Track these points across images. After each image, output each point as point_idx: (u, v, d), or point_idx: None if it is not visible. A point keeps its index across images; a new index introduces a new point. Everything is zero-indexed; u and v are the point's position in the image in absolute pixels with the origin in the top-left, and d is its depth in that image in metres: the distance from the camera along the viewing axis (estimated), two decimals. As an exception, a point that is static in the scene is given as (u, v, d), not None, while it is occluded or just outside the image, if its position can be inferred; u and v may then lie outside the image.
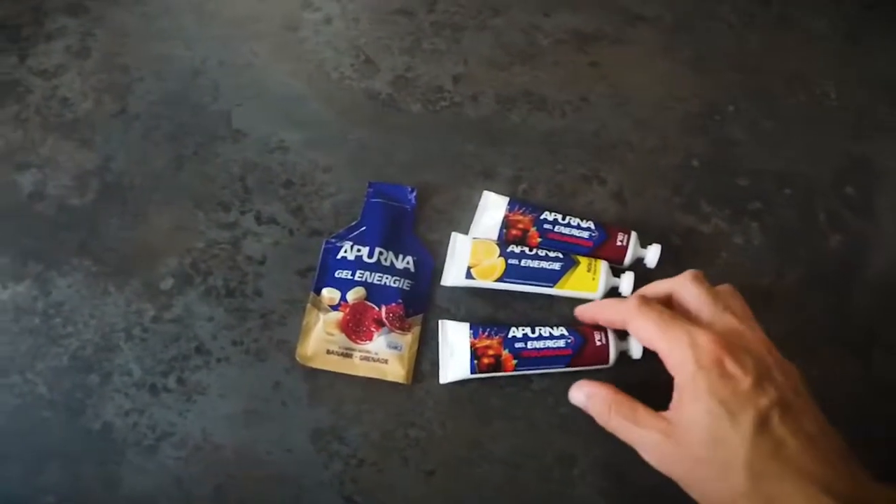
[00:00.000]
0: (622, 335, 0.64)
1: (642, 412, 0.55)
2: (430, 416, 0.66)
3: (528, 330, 0.63)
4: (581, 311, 0.65)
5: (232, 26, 0.83)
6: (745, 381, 0.50)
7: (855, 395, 0.68)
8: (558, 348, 0.62)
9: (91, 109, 0.78)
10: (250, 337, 0.68)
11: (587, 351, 0.62)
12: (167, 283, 0.70)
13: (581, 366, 0.63)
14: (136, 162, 0.76)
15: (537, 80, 0.81)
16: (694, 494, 0.52)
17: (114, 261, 0.71)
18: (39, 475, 0.63)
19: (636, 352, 0.63)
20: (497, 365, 0.63)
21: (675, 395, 0.53)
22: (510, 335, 0.63)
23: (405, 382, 0.66)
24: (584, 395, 0.59)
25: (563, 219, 0.70)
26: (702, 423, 0.50)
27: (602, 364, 0.63)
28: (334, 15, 0.84)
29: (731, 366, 0.51)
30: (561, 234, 0.70)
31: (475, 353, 0.63)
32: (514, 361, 0.62)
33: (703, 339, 0.52)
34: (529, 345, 0.62)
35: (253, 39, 0.82)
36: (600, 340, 0.62)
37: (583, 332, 0.62)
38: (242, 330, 0.68)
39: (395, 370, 0.66)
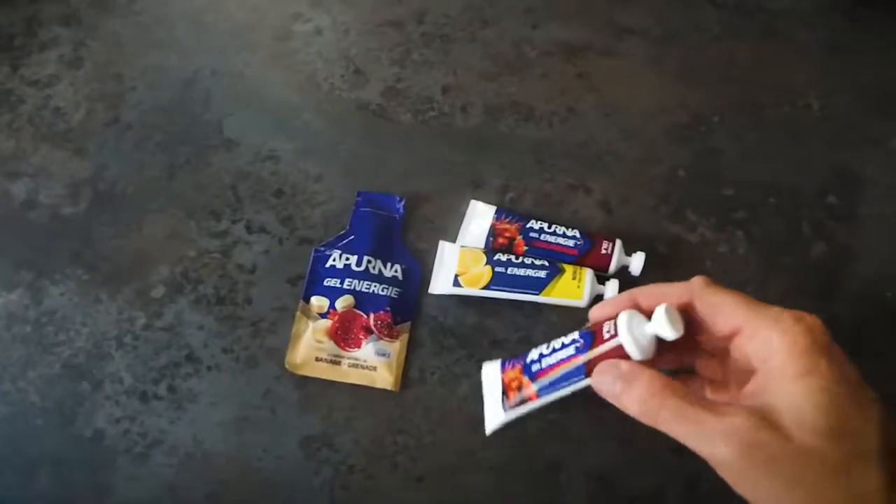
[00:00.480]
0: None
1: (709, 399, 0.41)
2: (418, 423, 0.66)
3: (543, 347, 0.48)
4: (600, 309, 0.48)
5: (224, 37, 0.84)
6: (854, 369, 0.42)
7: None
8: (570, 356, 0.46)
9: (84, 119, 0.79)
10: (241, 345, 0.69)
11: (596, 345, 0.46)
12: (158, 292, 0.71)
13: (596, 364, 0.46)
14: (128, 171, 0.76)
15: (525, 91, 0.82)
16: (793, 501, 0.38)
17: (106, 269, 0.72)
18: (31, 482, 0.64)
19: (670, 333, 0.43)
20: (521, 398, 0.48)
21: (763, 378, 0.41)
22: (528, 360, 0.49)
23: (394, 389, 0.67)
24: (619, 378, 0.43)
25: (549, 227, 0.71)
26: (821, 406, 0.38)
27: (618, 356, 0.45)
28: (325, 26, 0.85)
29: (838, 352, 0.42)
30: (547, 242, 0.71)
31: (504, 389, 0.49)
32: (535, 387, 0.47)
33: (810, 318, 0.42)
34: (544, 363, 0.48)
35: (245, 50, 0.83)
36: (609, 331, 0.44)
37: (591, 329, 0.46)
38: (233, 338, 0.69)
39: (383, 377, 0.67)
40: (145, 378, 0.68)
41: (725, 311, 0.42)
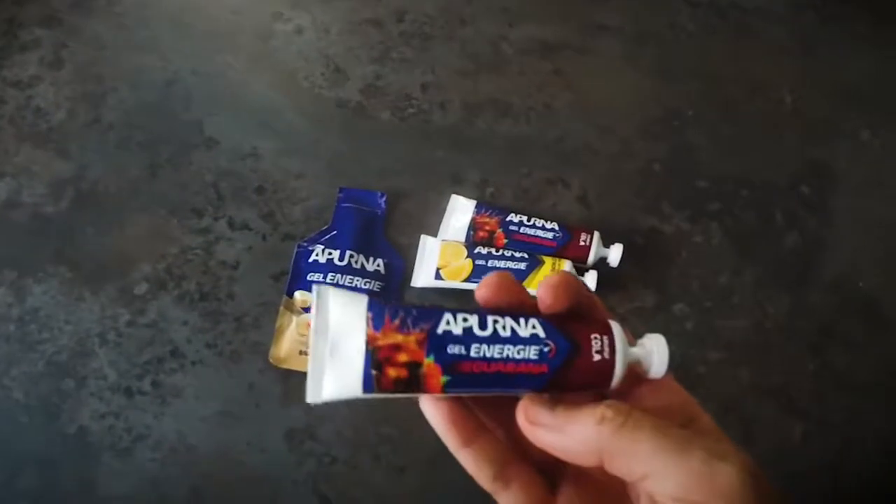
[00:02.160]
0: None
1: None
2: (401, 414, 0.67)
3: (473, 321, 0.31)
4: (489, 290, 0.32)
5: (205, 38, 0.85)
6: None
7: (812, 389, 0.70)
8: (528, 361, 0.32)
9: (65, 119, 0.79)
10: (224, 340, 0.70)
11: (578, 365, 0.32)
12: (141, 289, 0.71)
13: (564, 389, 0.33)
14: (110, 170, 0.77)
15: (503, 88, 0.83)
16: None
17: (89, 267, 0.72)
18: (16, 479, 0.64)
19: (658, 370, 0.33)
20: (413, 380, 0.31)
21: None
22: (440, 329, 0.31)
23: (377, 382, 0.68)
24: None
25: (529, 220, 0.72)
26: None
27: (597, 387, 0.33)
28: (305, 26, 0.86)
29: None
30: (526, 235, 0.72)
31: (374, 357, 0.30)
32: (444, 378, 0.31)
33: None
34: (475, 351, 0.31)
35: (226, 50, 0.84)
36: (600, 352, 0.32)
37: (571, 334, 0.32)
38: (216, 333, 0.70)
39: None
40: (129, 374, 0.68)
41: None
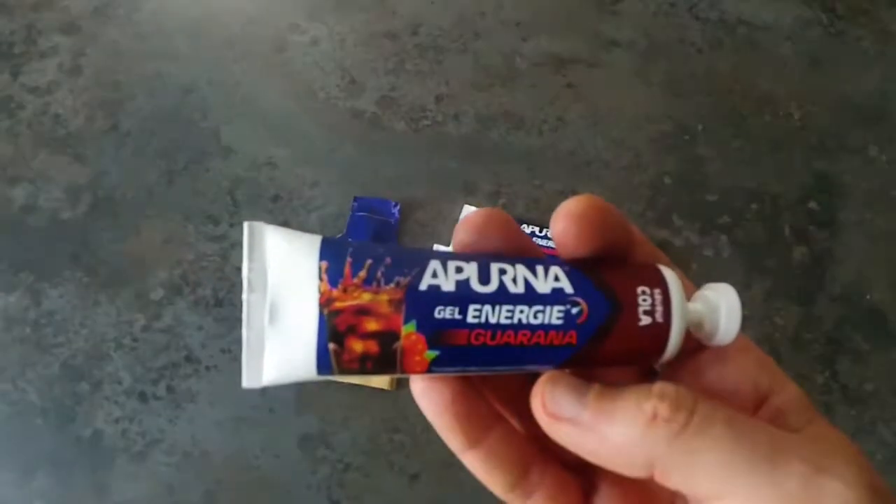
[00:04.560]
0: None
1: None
2: (413, 421, 0.68)
3: (470, 270, 0.22)
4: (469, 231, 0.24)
5: (222, 47, 0.86)
6: None
7: (821, 401, 0.71)
8: (549, 328, 0.22)
9: (83, 125, 0.80)
10: (239, 345, 0.70)
11: (618, 332, 0.23)
12: (157, 294, 0.72)
13: (596, 364, 0.23)
14: (127, 176, 0.78)
15: (516, 101, 0.84)
16: None
17: (105, 272, 0.73)
18: (31, 481, 0.65)
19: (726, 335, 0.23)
20: (387, 357, 0.22)
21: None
22: (424, 284, 0.22)
23: (389, 389, 0.68)
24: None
25: (540, 231, 0.73)
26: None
27: (643, 361, 0.24)
28: (321, 37, 0.87)
29: None
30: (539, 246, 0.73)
31: (331, 325, 0.21)
32: (431, 353, 0.22)
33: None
34: (474, 315, 0.22)
35: (242, 59, 0.85)
36: (649, 312, 0.22)
37: (609, 288, 0.22)
38: (231, 338, 0.70)
39: (379, 377, 0.68)
40: (144, 378, 0.69)
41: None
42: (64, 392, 0.68)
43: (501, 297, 0.22)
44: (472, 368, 0.22)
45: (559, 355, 0.22)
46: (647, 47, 0.89)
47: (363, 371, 0.21)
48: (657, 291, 0.23)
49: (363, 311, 0.21)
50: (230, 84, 0.83)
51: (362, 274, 0.21)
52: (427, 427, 0.70)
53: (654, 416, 0.20)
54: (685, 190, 0.80)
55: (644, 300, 0.22)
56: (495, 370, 0.23)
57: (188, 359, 0.70)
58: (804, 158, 0.83)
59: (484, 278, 0.22)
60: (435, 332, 0.21)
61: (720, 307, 0.23)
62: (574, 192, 0.78)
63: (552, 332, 0.22)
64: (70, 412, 0.67)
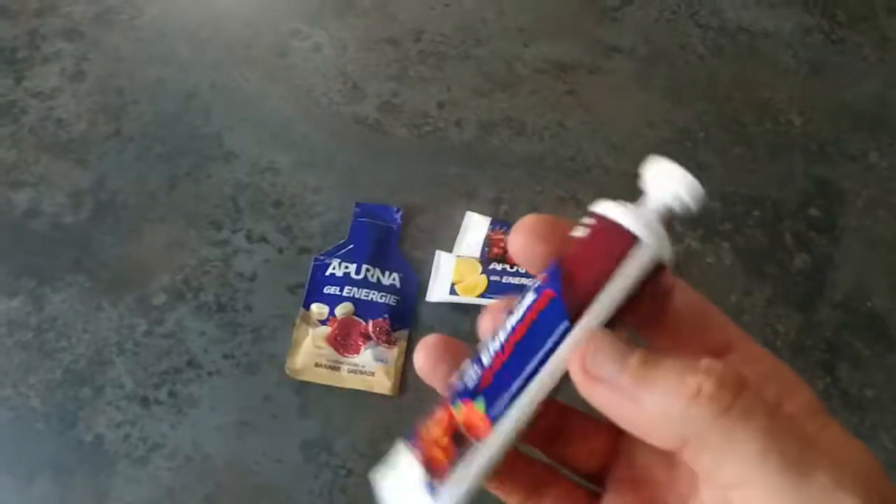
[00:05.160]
0: None
1: None
2: (415, 427, 0.68)
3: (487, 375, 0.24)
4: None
5: (224, 52, 0.86)
6: None
7: (821, 407, 0.71)
8: (529, 308, 0.24)
9: (86, 130, 0.80)
10: (241, 351, 0.70)
11: (577, 259, 0.24)
12: (160, 299, 0.72)
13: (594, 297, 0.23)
14: (129, 182, 0.78)
15: (517, 107, 0.84)
16: None
17: (107, 277, 0.73)
18: (32, 486, 0.65)
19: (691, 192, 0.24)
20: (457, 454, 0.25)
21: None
22: (463, 384, 0.26)
23: (391, 394, 0.69)
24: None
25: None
26: None
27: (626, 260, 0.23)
28: (323, 43, 0.87)
29: None
30: (541, 252, 0.73)
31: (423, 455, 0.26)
32: (481, 406, 0.25)
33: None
34: (486, 356, 0.25)
35: (244, 65, 0.85)
36: (591, 225, 0.24)
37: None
38: (233, 344, 0.70)
39: (381, 382, 0.68)
40: (146, 383, 0.69)
41: (715, 321, 0.26)
42: (65, 397, 0.68)
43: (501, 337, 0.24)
44: (513, 386, 0.23)
45: (556, 315, 0.23)
46: (649, 54, 0.90)
47: (452, 476, 0.25)
48: (590, 218, 0.24)
49: (434, 437, 0.25)
50: (232, 89, 0.84)
51: (425, 427, 0.26)
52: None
53: (699, 392, 0.20)
54: (686, 196, 0.80)
55: (582, 228, 0.24)
56: (531, 379, 0.23)
57: (190, 364, 0.70)
58: (805, 165, 0.84)
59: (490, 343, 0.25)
60: (474, 390, 0.24)
61: (663, 181, 0.24)
62: (575, 198, 0.79)
63: (535, 306, 0.23)
64: (72, 417, 0.67)
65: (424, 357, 0.26)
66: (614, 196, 0.74)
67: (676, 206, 0.24)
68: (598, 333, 0.22)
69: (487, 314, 0.26)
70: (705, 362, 0.21)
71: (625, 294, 0.23)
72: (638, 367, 0.21)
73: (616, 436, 0.27)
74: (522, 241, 0.24)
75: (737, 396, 0.20)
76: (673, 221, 0.24)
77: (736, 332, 0.25)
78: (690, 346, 0.24)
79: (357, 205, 0.77)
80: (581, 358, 0.22)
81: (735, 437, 0.20)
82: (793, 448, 0.20)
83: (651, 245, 0.23)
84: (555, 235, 0.24)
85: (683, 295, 0.25)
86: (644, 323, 0.25)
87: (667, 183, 0.24)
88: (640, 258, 0.23)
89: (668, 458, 0.24)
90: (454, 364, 0.26)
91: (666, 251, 0.23)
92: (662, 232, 0.23)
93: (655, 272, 0.23)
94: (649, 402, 0.21)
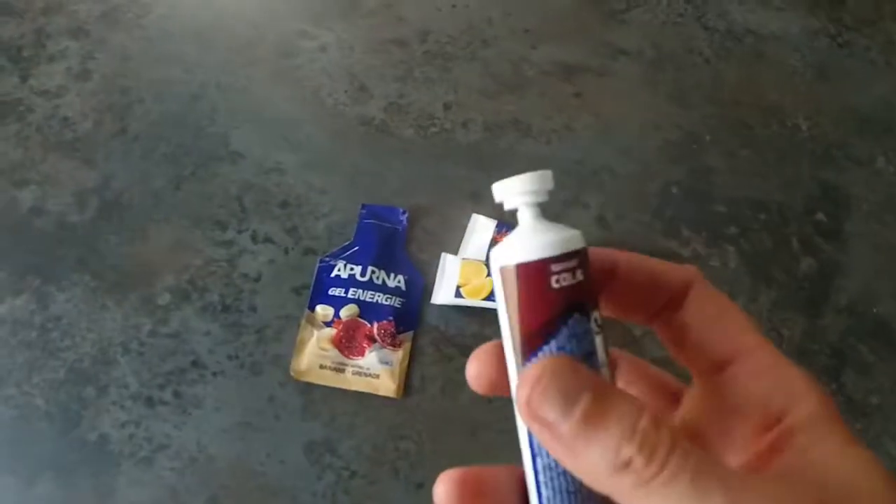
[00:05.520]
0: None
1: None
2: (420, 430, 0.68)
3: None
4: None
5: (230, 52, 0.86)
6: None
7: (826, 412, 0.71)
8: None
9: (91, 129, 0.80)
10: (245, 351, 0.70)
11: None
12: (164, 299, 0.72)
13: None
14: (135, 181, 0.78)
15: (524, 109, 0.84)
16: None
17: (112, 276, 0.73)
18: (35, 486, 0.64)
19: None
20: None
21: (793, 438, 0.24)
22: None
23: (396, 397, 0.68)
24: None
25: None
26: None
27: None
28: (329, 43, 0.87)
29: None
30: (547, 255, 0.73)
31: None
32: None
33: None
34: None
35: (251, 65, 0.85)
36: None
37: None
38: (238, 345, 0.70)
39: (386, 385, 0.68)
40: (151, 383, 0.69)
41: (728, 326, 0.26)
42: (70, 396, 0.68)
43: None
44: None
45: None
46: (655, 57, 0.89)
47: None
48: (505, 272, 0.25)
49: None
50: (238, 89, 0.83)
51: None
52: (433, 436, 0.70)
53: (628, 464, 0.20)
54: (693, 200, 0.80)
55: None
56: None
57: (195, 364, 0.69)
58: (811, 169, 0.83)
59: None
60: None
61: (512, 192, 0.25)
62: (581, 201, 0.79)
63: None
64: (76, 416, 0.67)
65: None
66: (620, 198, 0.75)
67: (539, 199, 0.25)
68: (552, 367, 0.22)
69: (474, 360, 0.26)
70: (642, 427, 0.21)
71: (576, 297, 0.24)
72: (581, 417, 0.21)
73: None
74: (474, 370, 0.25)
75: (662, 466, 0.20)
76: (544, 211, 0.25)
77: (750, 339, 0.25)
78: (697, 358, 0.25)
79: (363, 206, 0.76)
80: (527, 393, 0.22)
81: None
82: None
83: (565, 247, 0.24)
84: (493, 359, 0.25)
85: (699, 298, 0.25)
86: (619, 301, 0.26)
87: (517, 191, 0.25)
88: (565, 263, 0.24)
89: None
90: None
91: (569, 243, 0.24)
92: (553, 232, 0.24)
93: (583, 257, 0.24)
94: (584, 455, 0.21)
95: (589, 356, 0.23)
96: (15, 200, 0.76)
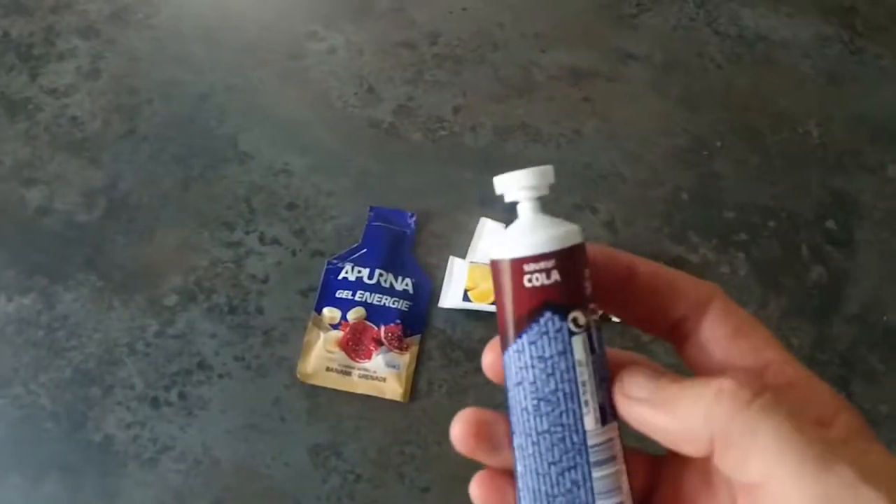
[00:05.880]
0: None
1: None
2: (425, 434, 0.67)
3: None
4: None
5: (239, 54, 0.86)
6: None
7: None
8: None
9: (100, 129, 0.80)
10: (252, 353, 0.70)
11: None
12: (171, 300, 0.72)
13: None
14: (143, 181, 0.78)
15: (533, 113, 0.84)
16: None
17: (119, 277, 0.73)
18: (40, 486, 0.64)
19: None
20: None
21: None
22: None
23: (402, 400, 0.68)
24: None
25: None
26: None
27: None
28: (339, 46, 0.87)
29: None
30: (555, 259, 0.72)
31: None
32: None
33: None
34: None
35: (260, 67, 0.85)
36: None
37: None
38: (244, 346, 0.70)
39: (392, 388, 0.68)
40: (156, 384, 0.68)
41: (751, 341, 0.25)
42: (75, 396, 0.68)
43: None
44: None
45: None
46: (665, 61, 0.89)
47: None
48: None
49: None
50: (247, 91, 0.83)
51: None
52: (438, 440, 0.70)
53: (720, 391, 0.22)
54: (702, 206, 0.80)
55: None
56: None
57: (201, 366, 0.69)
58: (822, 176, 0.83)
59: None
60: None
61: (514, 186, 0.26)
62: (590, 206, 0.78)
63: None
64: (81, 417, 0.67)
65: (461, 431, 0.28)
66: (629, 203, 0.74)
67: (538, 194, 0.26)
68: (630, 367, 0.25)
69: (490, 349, 0.27)
70: (729, 371, 0.23)
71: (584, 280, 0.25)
72: (669, 381, 0.24)
73: (658, 465, 0.27)
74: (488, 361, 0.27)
75: (756, 395, 0.21)
76: (545, 205, 0.26)
77: (774, 354, 0.25)
78: (720, 374, 0.24)
79: (371, 209, 0.76)
80: (619, 386, 0.25)
81: (756, 431, 0.21)
82: (815, 443, 0.20)
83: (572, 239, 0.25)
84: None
85: (720, 313, 0.26)
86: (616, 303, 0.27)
87: (517, 185, 0.26)
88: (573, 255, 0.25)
89: (708, 479, 0.25)
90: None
91: (550, 244, 0.25)
92: (564, 227, 0.25)
93: (564, 258, 0.25)
94: (680, 409, 0.23)
95: (561, 355, 0.24)
96: (23, 199, 0.76)
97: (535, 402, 0.25)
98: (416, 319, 0.71)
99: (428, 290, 0.73)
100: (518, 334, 0.25)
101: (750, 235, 0.79)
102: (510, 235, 0.25)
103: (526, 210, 0.26)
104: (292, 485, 0.65)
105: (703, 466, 0.25)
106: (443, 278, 0.73)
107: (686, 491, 0.26)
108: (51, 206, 0.76)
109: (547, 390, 0.25)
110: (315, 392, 0.68)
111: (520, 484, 0.26)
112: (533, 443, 0.25)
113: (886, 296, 0.77)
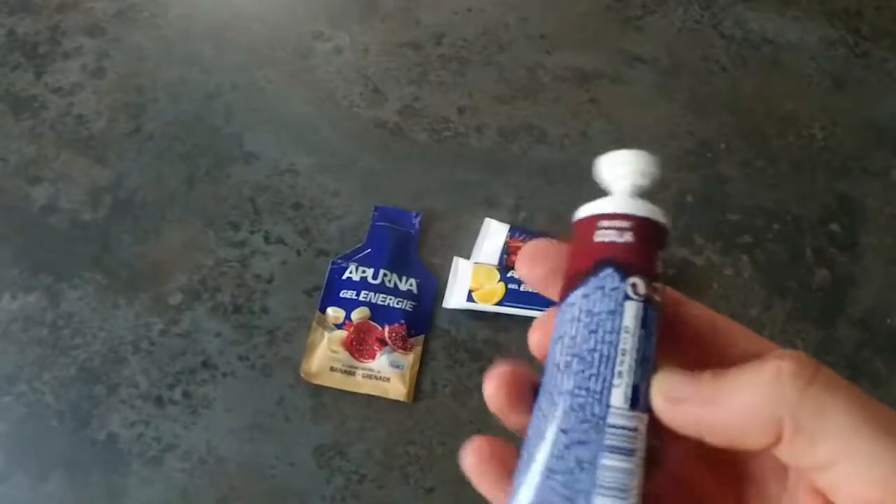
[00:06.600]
0: None
1: None
2: (430, 434, 0.67)
3: None
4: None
5: (246, 53, 0.86)
6: None
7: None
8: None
9: (105, 128, 0.80)
10: (256, 353, 0.70)
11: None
12: (176, 299, 0.72)
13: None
14: (148, 180, 0.78)
15: (539, 115, 0.84)
16: None
17: (124, 275, 0.73)
18: (44, 484, 0.64)
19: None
20: None
21: None
22: None
23: (406, 401, 0.68)
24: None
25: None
26: None
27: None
28: (345, 46, 0.87)
29: None
30: (560, 261, 0.72)
31: None
32: None
33: None
34: None
35: (266, 66, 0.85)
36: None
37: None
38: (249, 346, 0.70)
39: (396, 388, 0.68)
40: (161, 383, 0.68)
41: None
42: (80, 395, 0.68)
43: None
44: None
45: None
46: (671, 64, 0.89)
47: None
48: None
49: None
50: (253, 90, 0.83)
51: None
52: (443, 440, 0.70)
53: (780, 372, 0.20)
54: (707, 209, 0.80)
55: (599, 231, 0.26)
56: None
57: (205, 364, 0.69)
58: (826, 180, 0.83)
59: None
60: None
61: (619, 167, 0.26)
62: (595, 208, 0.78)
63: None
64: (86, 415, 0.67)
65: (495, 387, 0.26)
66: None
67: (644, 182, 0.26)
68: (662, 371, 0.23)
69: (537, 329, 0.26)
70: (778, 351, 0.21)
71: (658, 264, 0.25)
72: (712, 376, 0.22)
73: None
74: (525, 268, 0.26)
75: (817, 370, 0.20)
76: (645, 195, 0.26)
77: (766, 343, 0.25)
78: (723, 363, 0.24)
79: (376, 209, 0.76)
80: (657, 391, 0.23)
81: (825, 408, 0.20)
82: (883, 416, 0.20)
83: (657, 218, 0.25)
84: (548, 256, 0.26)
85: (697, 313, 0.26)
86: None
87: (624, 167, 0.26)
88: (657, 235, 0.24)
89: (744, 476, 0.25)
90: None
91: (629, 208, 0.25)
92: (651, 206, 0.25)
93: (642, 225, 0.24)
94: (734, 398, 0.21)
95: (610, 314, 0.23)
96: (28, 197, 0.76)
97: (568, 357, 0.23)
98: (421, 320, 0.71)
99: (432, 290, 0.73)
100: (574, 287, 0.24)
101: (755, 238, 0.79)
102: (597, 202, 0.25)
103: (619, 189, 0.26)
104: (297, 485, 0.65)
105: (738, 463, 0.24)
106: (447, 279, 0.73)
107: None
108: (56, 205, 0.76)
109: (585, 347, 0.23)
110: (319, 392, 0.68)
111: (523, 452, 0.24)
112: (552, 402, 0.23)
113: (891, 299, 0.77)
